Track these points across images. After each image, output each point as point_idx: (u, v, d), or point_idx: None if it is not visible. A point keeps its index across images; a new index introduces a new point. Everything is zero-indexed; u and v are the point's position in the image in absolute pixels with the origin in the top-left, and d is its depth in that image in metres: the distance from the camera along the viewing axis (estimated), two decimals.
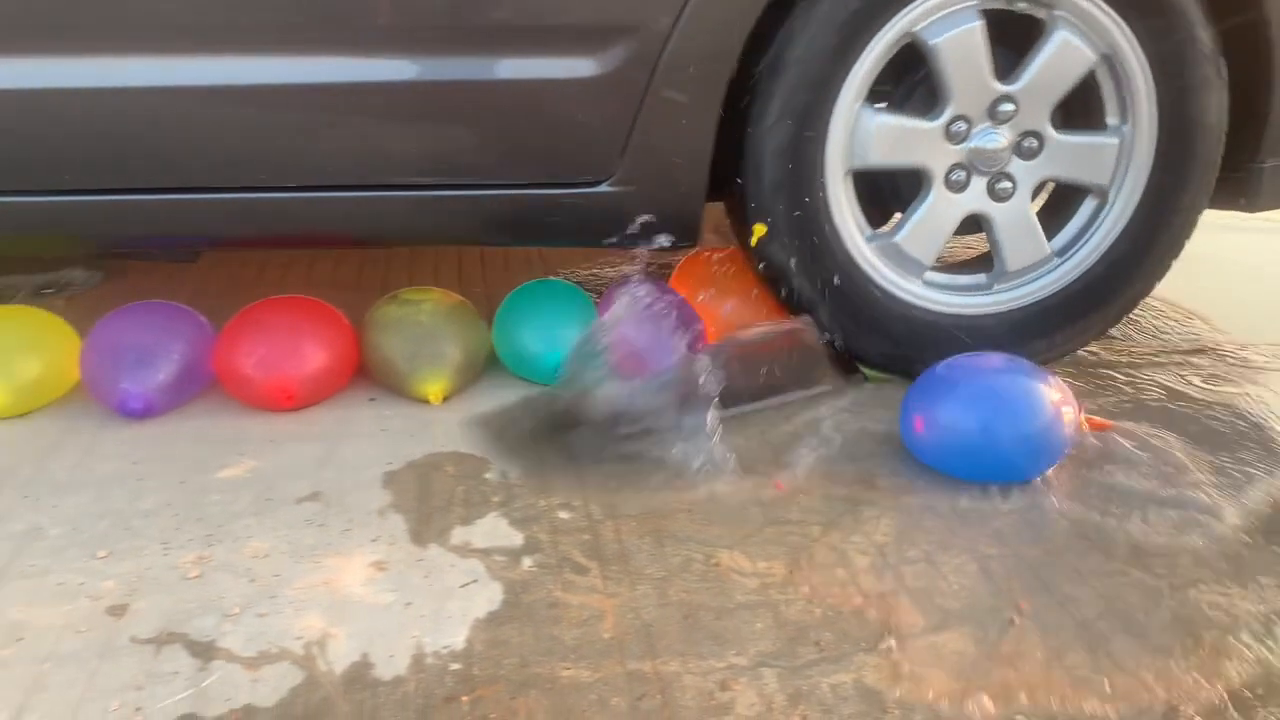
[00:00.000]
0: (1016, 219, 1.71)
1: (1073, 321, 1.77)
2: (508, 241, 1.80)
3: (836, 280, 1.68)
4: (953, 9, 1.58)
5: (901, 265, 1.72)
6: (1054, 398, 1.44)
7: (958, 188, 1.68)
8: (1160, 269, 1.76)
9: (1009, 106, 1.63)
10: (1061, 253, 1.75)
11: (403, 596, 1.18)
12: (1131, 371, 1.88)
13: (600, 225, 1.65)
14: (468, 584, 1.20)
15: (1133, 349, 2.01)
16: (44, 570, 1.23)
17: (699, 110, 1.55)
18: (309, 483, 1.44)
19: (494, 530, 1.32)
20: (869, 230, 1.72)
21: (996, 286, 1.76)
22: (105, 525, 1.32)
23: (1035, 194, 1.75)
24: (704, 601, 1.18)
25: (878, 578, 1.23)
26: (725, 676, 1.05)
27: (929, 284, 1.75)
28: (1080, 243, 1.75)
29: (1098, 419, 1.63)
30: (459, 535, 1.31)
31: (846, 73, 1.58)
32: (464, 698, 1.02)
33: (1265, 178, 1.73)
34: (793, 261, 1.67)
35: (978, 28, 1.59)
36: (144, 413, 1.59)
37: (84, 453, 1.52)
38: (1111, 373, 1.87)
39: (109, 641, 1.10)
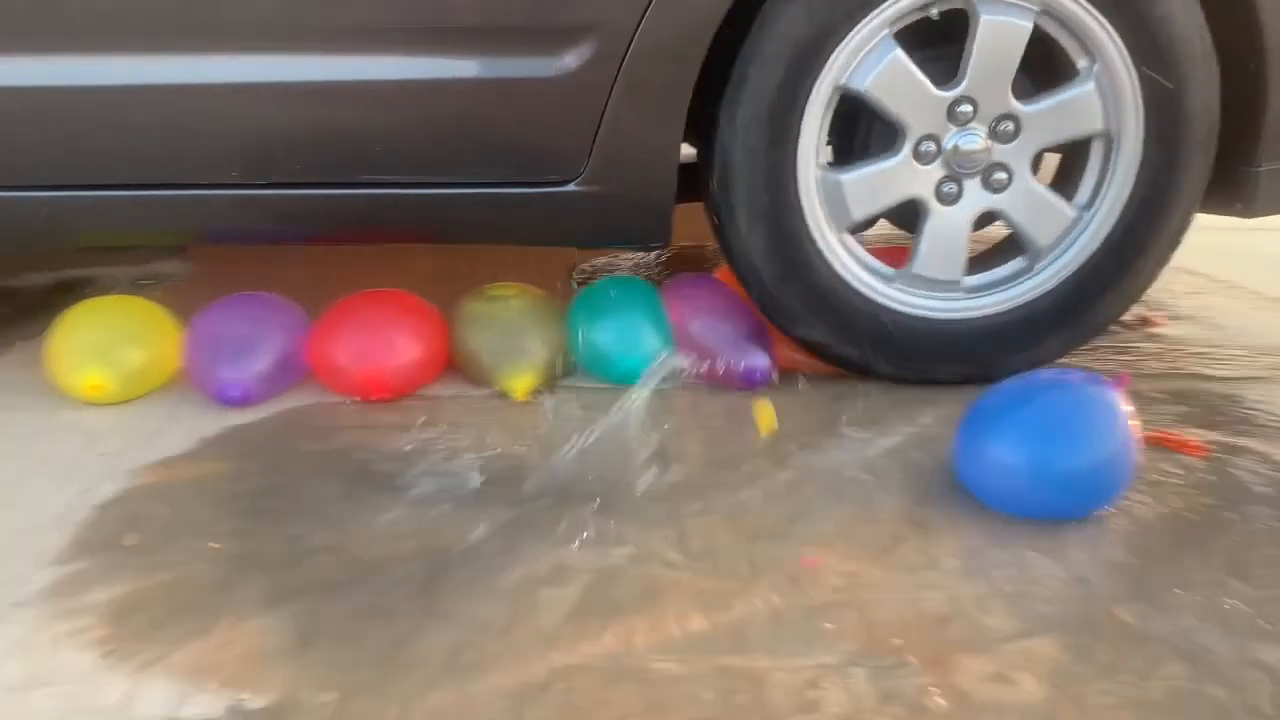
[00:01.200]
0: (1027, 198, 1.68)
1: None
2: (479, 239, 1.81)
3: (889, 329, 1.70)
4: (867, 48, 1.57)
5: (934, 289, 1.71)
6: (1118, 422, 1.32)
7: (951, 199, 1.67)
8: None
9: (967, 107, 1.61)
10: (1086, 206, 1.71)
11: (494, 582, 1.20)
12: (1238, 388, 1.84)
13: (569, 225, 1.67)
14: (557, 575, 1.22)
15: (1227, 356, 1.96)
16: (154, 549, 1.27)
17: (665, 111, 1.56)
18: (404, 470, 1.47)
19: (583, 521, 1.34)
20: (889, 270, 1.72)
21: (1037, 266, 1.73)
22: (208, 508, 1.37)
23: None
24: (792, 600, 1.18)
25: (967, 580, 1.22)
26: (814, 675, 1.05)
27: (969, 291, 1.74)
28: (1101, 194, 1.69)
29: (1184, 438, 1.58)
30: (546, 525, 1.33)
31: (795, 145, 1.60)
32: (559, 685, 1.04)
33: (1262, 182, 1.69)
34: (828, 337, 1.71)
35: (897, 56, 1.57)
36: (242, 401, 1.65)
37: (185, 439, 1.57)
38: (1211, 389, 1.83)
39: (218, 617, 1.14)
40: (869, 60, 1.57)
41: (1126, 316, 1.92)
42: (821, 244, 1.66)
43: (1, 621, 1.13)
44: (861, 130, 1.76)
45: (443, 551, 1.27)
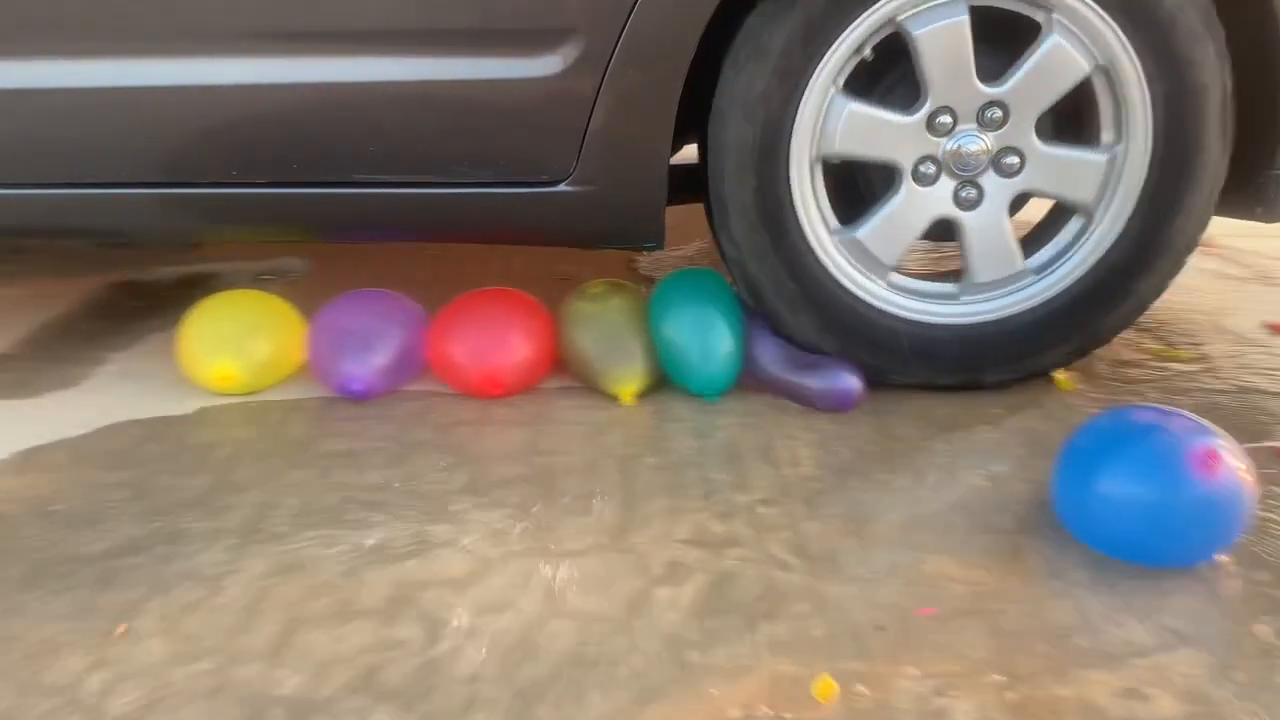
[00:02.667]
0: (1049, 164, 1.63)
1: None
2: (473, 239, 1.83)
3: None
4: (823, 112, 1.57)
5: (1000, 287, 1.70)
6: (1228, 467, 1.20)
7: (973, 204, 1.65)
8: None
9: (945, 118, 1.58)
10: (1114, 143, 1.63)
11: (611, 580, 1.22)
12: None
13: (561, 225, 1.67)
14: (672, 573, 1.23)
15: None
16: (282, 537, 1.32)
17: (652, 112, 1.55)
18: (518, 467, 1.49)
19: (695, 522, 1.34)
20: (952, 288, 1.71)
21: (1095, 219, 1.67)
22: (335, 499, 1.41)
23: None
24: (913, 606, 1.17)
25: (1095, 591, 1.19)
26: (941, 683, 1.04)
27: (1038, 270, 1.70)
28: (1122, 128, 1.62)
29: None
30: (661, 525, 1.34)
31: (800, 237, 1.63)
32: (679, 682, 1.04)
33: None
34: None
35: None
36: (364, 394, 1.69)
37: (310, 430, 1.62)
38: None
39: (345, 607, 1.17)
40: (830, 122, 1.59)
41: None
42: (865, 295, 1.68)
43: None
44: (861, 182, 1.78)
45: (558, 546, 1.29)
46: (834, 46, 1.54)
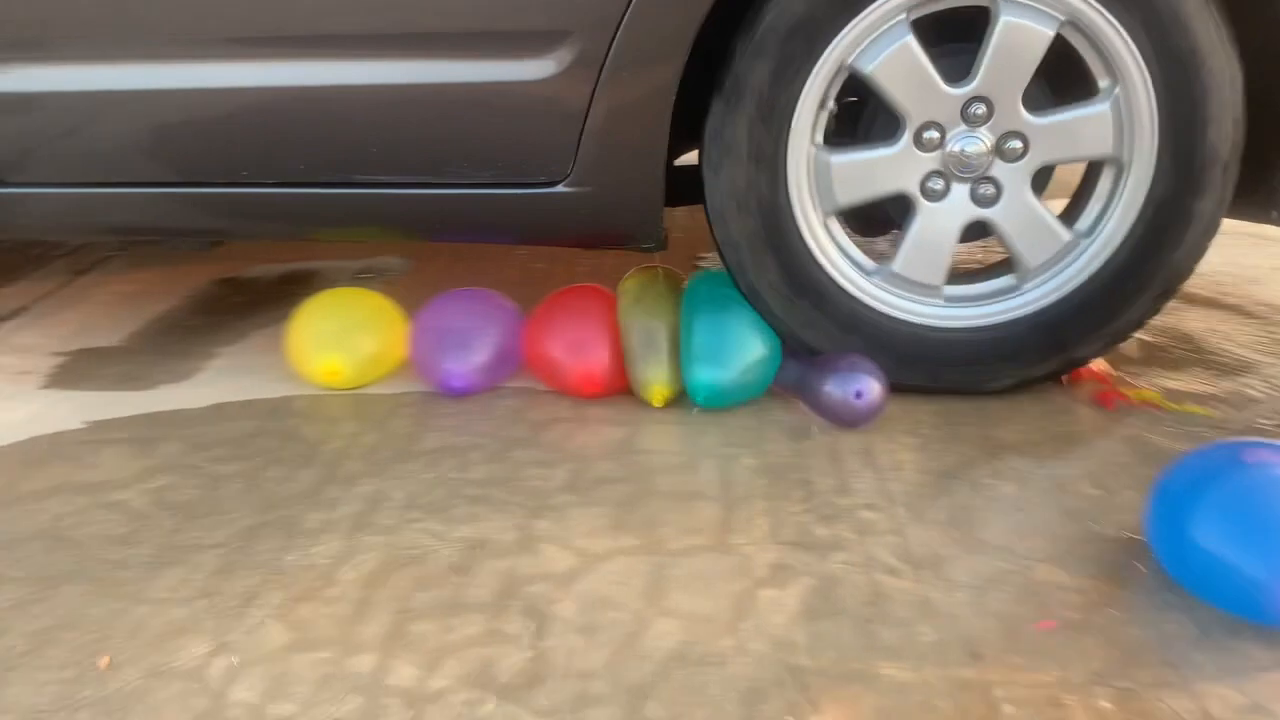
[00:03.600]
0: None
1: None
2: (475, 239, 1.85)
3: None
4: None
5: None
6: None
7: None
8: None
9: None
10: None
11: (716, 580, 1.22)
12: None
13: (561, 225, 1.68)
14: (777, 576, 1.23)
15: None
16: (392, 529, 1.35)
17: (648, 113, 1.53)
18: (616, 465, 1.51)
19: (799, 525, 1.34)
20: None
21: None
22: (441, 493, 1.44)
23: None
24: (1024, 614, 1.15)
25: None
26: (1055, 692, 1.03)
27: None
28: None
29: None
30: (763, 527, 1.34)
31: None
32: (790, 684, 1.04)
33: None
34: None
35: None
36: (464, 391, 1.72)
37: (414, 425, 1.65)
38: None
39: (455, 600, 1.19)
40: (822, 180, 1.59)
41: None
42: (924, 319, 1.66)
43: None
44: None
45: (660, 545, 1.30)
46: (795, 114, 1.55)
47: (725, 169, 1.59)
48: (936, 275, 1.64)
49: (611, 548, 1.30)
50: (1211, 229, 1.57)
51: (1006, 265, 1.68)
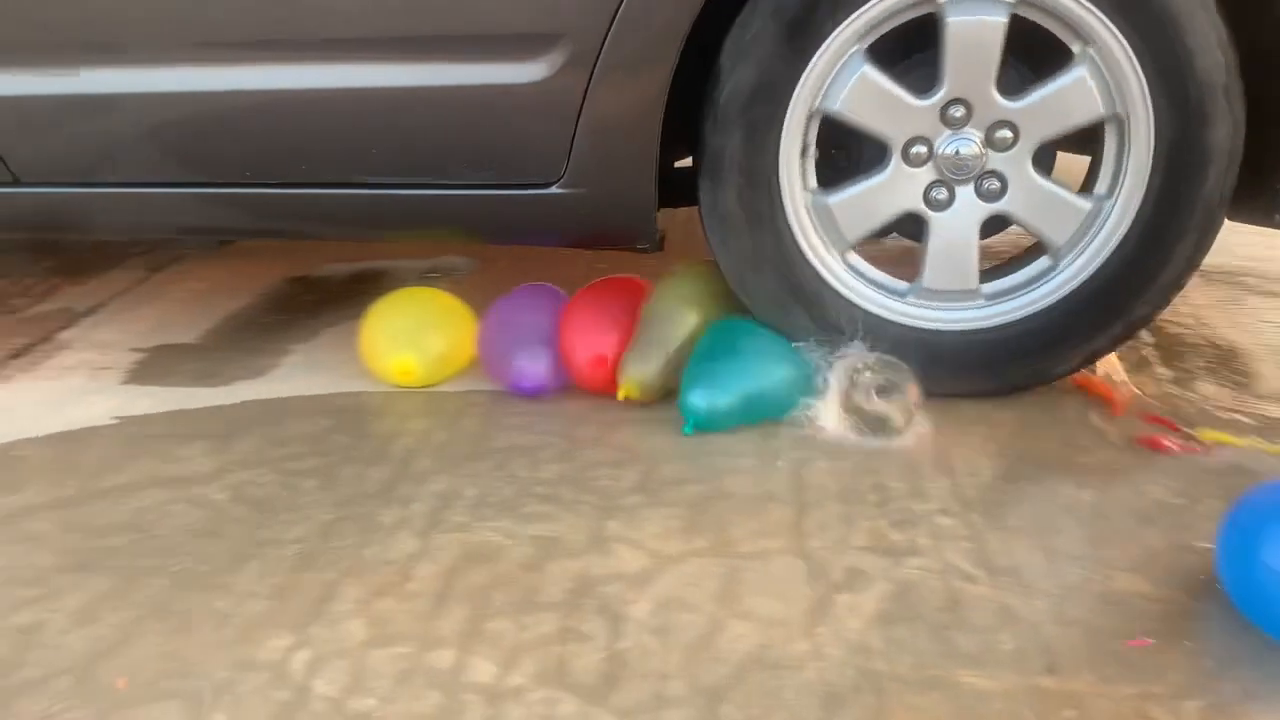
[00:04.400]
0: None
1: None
2: (471, 239, 1.88)
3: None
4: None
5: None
6: None
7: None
8: None
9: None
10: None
11: (791, 584, 1.22)
12: None
13: (556, 226, 1.70)
14: (852, 580, 1.22)
15: None
16: (465, 526, 1.36)
17: (639, 115, 1.53)
18: (686, 466, 1.51)
19: (873, 530, 1.33)
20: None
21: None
22: (511, 491, 1.45)
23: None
24: (1105, 624, 1.13)
25: None
26: (1140, 704, 1.01)
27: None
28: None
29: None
30: (837, 531, 1.33)
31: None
32: (867, 689, 1.03)
33: None
34: None
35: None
36: (534, 391, 1.73)
37: (484, 423, 1.67)
38: None
39: (529, 598, 1.20)
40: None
41: None
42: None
43: None
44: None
45: (732, 547, 1.30)
46: (779, 171, 1.57)
47: (729, 239, 1.61)
48: (969, 279, 1.63)
49: (684, 549, 1.30)
50: (1234, 158, 1.52)
51: (1039, 248, 1.65)
